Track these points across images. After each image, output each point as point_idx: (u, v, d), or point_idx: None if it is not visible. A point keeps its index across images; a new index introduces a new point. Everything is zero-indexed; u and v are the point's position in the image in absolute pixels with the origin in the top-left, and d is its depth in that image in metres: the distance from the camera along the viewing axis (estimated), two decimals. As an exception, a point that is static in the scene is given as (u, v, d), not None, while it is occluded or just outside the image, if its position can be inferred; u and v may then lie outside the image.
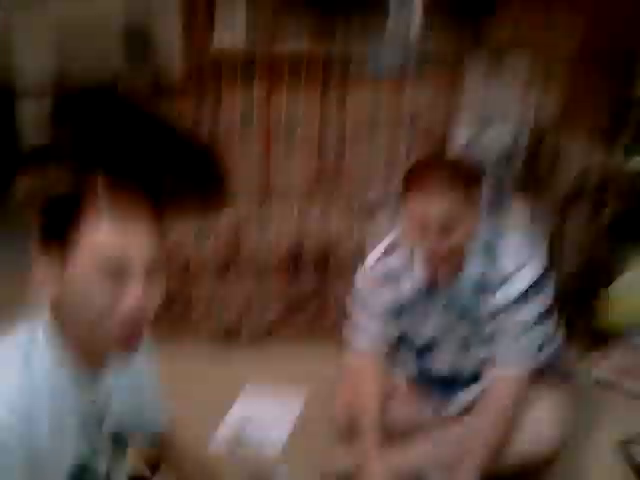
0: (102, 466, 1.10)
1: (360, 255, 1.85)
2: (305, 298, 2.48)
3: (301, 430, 2.02)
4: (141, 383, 1.22)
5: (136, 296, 0.95)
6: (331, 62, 3.31)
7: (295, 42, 3.49)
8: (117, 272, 0.94)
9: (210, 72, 3.41)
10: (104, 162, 1.02)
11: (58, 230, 0.96)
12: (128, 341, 0.99)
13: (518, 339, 1.58)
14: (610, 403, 2.05)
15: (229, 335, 2.55)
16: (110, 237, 0.94)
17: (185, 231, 2.30)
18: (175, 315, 2.48)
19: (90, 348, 1.01)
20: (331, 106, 2.90)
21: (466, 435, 1.60)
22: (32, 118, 3.75)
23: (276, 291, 2.48)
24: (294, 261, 2.42)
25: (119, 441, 1.15)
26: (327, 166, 2.80)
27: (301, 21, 3.80)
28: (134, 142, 1.06)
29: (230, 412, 2.12)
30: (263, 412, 2.12)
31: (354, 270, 1.85)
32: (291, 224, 2.46)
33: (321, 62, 3.32)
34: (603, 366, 2.10)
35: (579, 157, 2.28)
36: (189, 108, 2.93)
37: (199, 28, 3.42)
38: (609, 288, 2.09)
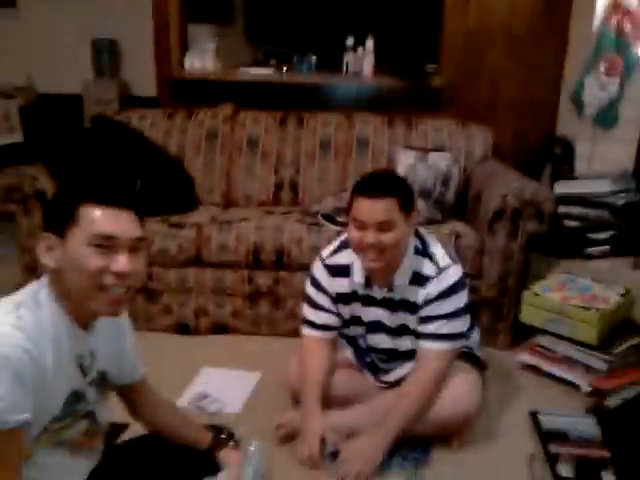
0: (91, 396, 1.34)
1: (310, 258, 2.14)
2: (260, 295, 2.71)
3: (258, 399, 2.25)
4: (124, 340, 1.47)
5: (121, 264, 1.22)
6: (292, 89, 3.63)
7: (260, 69, 3.81)
8: (105, 245, 1.21)
9: (181, 90, 3.69)
10: (85, 169, 1.26)
11: (59, 216, 1.23)
12: (113, 305, 1.26)
13: (440, 327, 1.89)
14: (528, 382, 2.41)
15: (188, 327, 2.75)
16: (101, 218, 1.22)
17: (150, 228, 2.48)
18: (136, 307, 2.66)
19: (81, 309, 1.26)
20: (289, 128, 3.18)
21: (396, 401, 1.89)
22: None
23: (233, 288, 2.70)
24: (251, 261, 2.66)
25: (103, 382, 1.40)
26: (284, 179, 3.10)
27: (265, 51, 4.13)
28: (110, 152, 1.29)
29: (187, 390, 2.28)
30: (218, 388, 2.29)
31: (306, 270, 2.12)
32: (250, 228, 2.69)
33: (282, 88, 3.65)
34: (524, 353, 2.48)
35: (503, 184, 2.62)
36: (160, 120, 3.17)
37: (171, 49, 3.70)
38: (524, 292, 2.44)
